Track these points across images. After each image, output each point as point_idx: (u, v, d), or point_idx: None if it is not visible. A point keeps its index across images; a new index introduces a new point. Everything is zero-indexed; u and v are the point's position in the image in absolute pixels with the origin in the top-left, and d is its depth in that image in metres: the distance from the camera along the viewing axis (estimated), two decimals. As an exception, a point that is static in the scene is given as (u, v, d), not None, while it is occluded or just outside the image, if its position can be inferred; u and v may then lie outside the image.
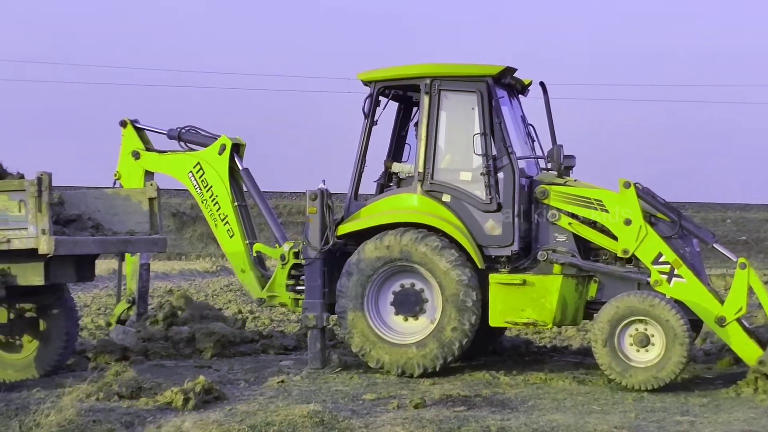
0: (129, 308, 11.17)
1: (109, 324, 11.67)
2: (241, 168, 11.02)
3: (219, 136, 11.02)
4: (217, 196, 10.90)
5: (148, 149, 11.33)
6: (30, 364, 10.06)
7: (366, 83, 10.39)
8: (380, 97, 10.37)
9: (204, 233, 50.27)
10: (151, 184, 10.17)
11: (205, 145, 11.09)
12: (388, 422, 7.53)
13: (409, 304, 9.87)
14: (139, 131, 11.39)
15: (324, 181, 10.21)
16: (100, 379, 8.61)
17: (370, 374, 9.86)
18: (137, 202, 10.05)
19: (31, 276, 9.02)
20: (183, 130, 11.20)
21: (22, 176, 9.33)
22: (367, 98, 10.29)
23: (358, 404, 8.41)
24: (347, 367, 10.16)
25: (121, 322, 11.23)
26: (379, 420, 7.64)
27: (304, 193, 10.29)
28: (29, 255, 8.74)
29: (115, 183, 11.37)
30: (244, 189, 11.16)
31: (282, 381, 9.46)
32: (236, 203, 10.97)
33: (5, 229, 8.64)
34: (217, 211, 10.92)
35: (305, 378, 9.66)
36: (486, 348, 11.09)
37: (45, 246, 8.56)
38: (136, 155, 11.25)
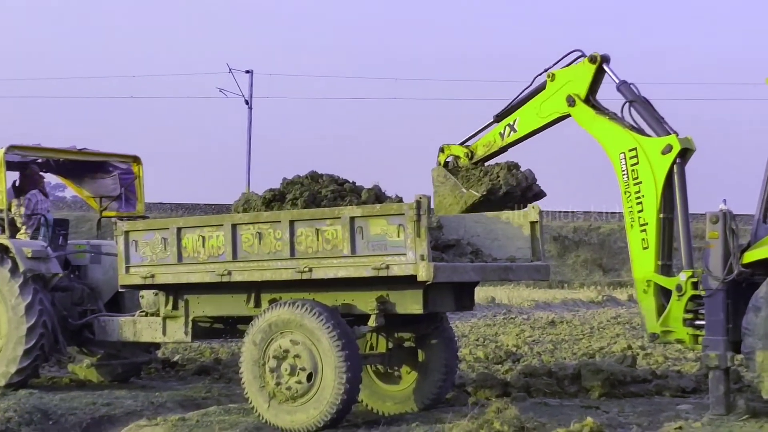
0: None
1: None
2: (678, 177, 10.05)
3: (672, 132, 10.13)
4: (643, 196, 10.15)
5: (587, 101, 10.50)
6: (409, 397, 10.49)
7: (776, 90, 9.87)
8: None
9: (588, 259, 50.37)
10: (533, 207, 10.27)
11: (655, 131, 10.24)
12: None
13: (830, 345, 9.22)
14: (598, 74, 10.48)
15: (725, 201, 9.83)
16: (481, 416, 8.79)
17: (783, 424, 9.35)
18: (518, 226, 10.19)
19: (410, 304, 9.38)
20: (638, 98, 10.34)
21: (400, 199, 9.77)
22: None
23: (769, 458, 8.00)
24: (756, 414, 9.68)
25: None
26: (796, 478, 7.21)
27: (703, 214, 9.93)
28: (407, 282, 9.08)
29: (537, 78, 10.77)
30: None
31: (680, 427, 9.20)
32: (662, 215, 10.17)
33: (384, 254, 9.04)
34: (639, 212, 10.18)
35: (707, 425, 9.33)
36: None
37: (424, 273, 8.83)
38: (571, 101, 10.50)
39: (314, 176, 10.32)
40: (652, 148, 10.14)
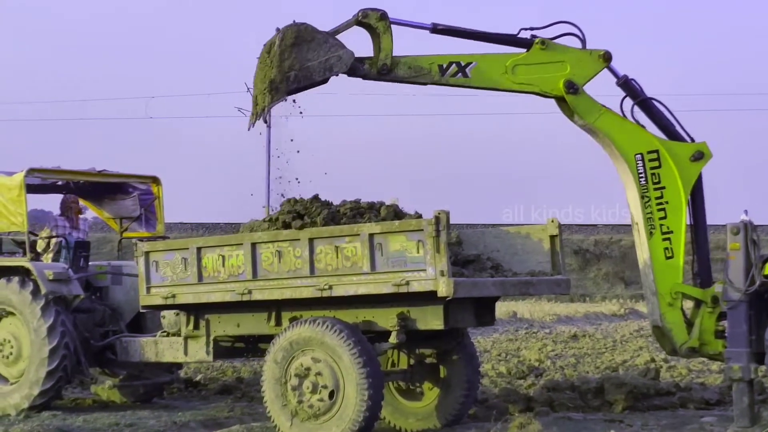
0: None
1: None
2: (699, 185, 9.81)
3: (694, 140, 9.76)
4: (667, 202, 9.75)
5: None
6: (431, 413, 10.46)
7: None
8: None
9: (610, 272, 50.20)
10: (552, 221, 10.24)
11: (670, 135, 9.86)
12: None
13: None
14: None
15: (746, 212, 9.76)
16: (504, 431, 8.78)
17: (807, 435, 9.28)
18: (538, 240, 10.17)
19: (431, 320, 9.36)
20: (647, 98, 9.81)
21: (419, 216, 9.79)
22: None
23: (795, 470, 7.94)
24: (780, 425, 9.64)
25: None
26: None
27: (724, 225, 9.85)
28: (428, 298, 9.08)
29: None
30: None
31: (704, 440, 9.17)
32: (689, 223, 9.85)
33: (403, 270, 9.02)
34: (661, 219, 9.75)
35: (731, 437, 9.30)
36: None
37: (444, 288, 8.81)
38: (573, 88, 9.64)
39: (316, 198, 10.01)
40: (679, 152, 9.81)
